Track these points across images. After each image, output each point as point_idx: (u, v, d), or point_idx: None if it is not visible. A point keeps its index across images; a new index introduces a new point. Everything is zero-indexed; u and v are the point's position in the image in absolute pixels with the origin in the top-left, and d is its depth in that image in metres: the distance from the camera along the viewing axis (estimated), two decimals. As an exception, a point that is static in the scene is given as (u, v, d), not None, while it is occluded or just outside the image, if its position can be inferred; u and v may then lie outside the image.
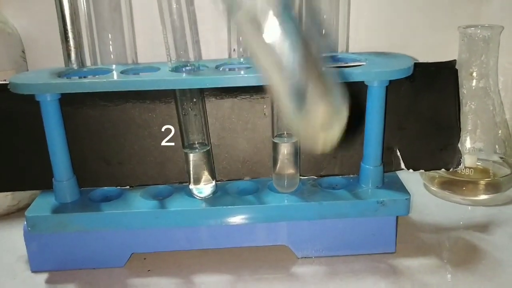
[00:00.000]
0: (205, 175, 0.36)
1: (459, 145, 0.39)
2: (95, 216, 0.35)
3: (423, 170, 0.40)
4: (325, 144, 0.22)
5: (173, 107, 0.36)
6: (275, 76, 0.22)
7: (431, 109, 0.38)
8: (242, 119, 0.38)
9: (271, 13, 0.21)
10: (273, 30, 0.21)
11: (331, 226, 0.36)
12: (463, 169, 0.44)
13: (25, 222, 0.35)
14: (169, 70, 0.35)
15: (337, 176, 0.39)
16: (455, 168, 0.39)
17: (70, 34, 0.40)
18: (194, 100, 0.35)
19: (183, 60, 0.34)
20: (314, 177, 0.39)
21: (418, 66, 0.36)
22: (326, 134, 0.22)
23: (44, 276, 0.36)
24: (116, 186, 0.38)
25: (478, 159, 0.46)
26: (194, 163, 0.36)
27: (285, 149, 0.36)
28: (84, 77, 0.36)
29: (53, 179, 0.36)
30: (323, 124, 0.21)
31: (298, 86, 0.21)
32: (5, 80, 0.35)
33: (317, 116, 0.21)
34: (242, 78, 0.33)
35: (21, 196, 0.45)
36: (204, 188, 0.36)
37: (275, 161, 0.36)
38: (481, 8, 0.50)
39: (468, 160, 0.44)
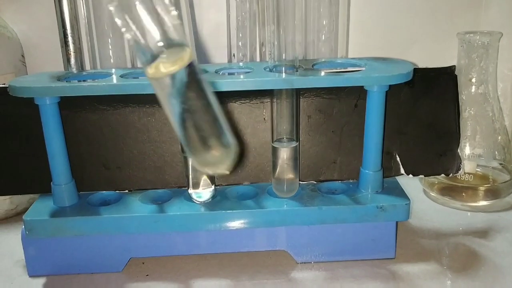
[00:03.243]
0: (204, 179, 0.36)
1: (458, 151, 0.39)
2: (94, 220, 0.35)
3: (422, 176, 0.40)
4: (218, 172, 0.26)
5: (173, 111, 0.36)
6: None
7: (430, 115, 0.38)
8: (242, 124, 0.38)
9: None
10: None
11: (331, 231, 0.36)
12: (463, 175, 0.44)
13: (23, 226, 0.35)
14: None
15: (337, 181, 0.39)
16: (455, 174, 0.39)
17: (70, 39, 0.40)
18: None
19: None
20: (314, 182, 0.39)
21: (417, 71, 0.36)
22: (218, 167, 0.26)
23: (41, 280, 0.36)
24: (114, 190, 0.38)
25: (478, 165, 0.46)
26: (193, 167, 0.36)
27: (284, 154, 0.36)
28: (84, 80, 0.36)
29: (51, 183, 0.36)
30: (215, 161, 0.26)
31: (186, 139, 0.25)
32: (4, 84, 0.35)
33: (209, 156, 0.25)
34: (242, 83, 0.33)
35: (19, 200, 0.45)
36: (203, 192, 0.36)
37: (274, 165, 0.36)
38: (480, 15, 0.50)
39: (467, 166, 0.44)
